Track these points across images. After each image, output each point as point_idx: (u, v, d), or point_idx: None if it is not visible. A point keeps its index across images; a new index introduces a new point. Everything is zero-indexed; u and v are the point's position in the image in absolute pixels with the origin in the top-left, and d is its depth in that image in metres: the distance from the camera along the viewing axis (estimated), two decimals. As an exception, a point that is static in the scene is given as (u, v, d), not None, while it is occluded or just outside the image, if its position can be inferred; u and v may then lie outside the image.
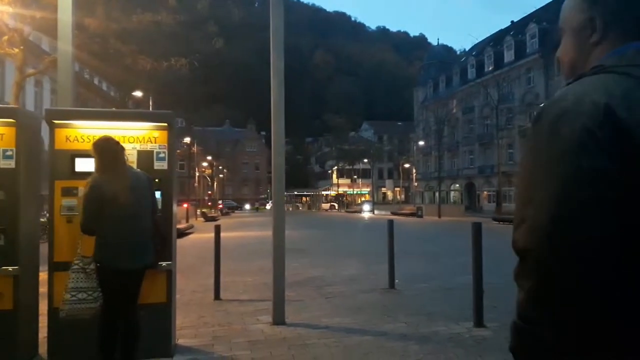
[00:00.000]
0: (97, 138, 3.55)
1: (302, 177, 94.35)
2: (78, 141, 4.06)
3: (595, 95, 0.85)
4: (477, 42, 61.11)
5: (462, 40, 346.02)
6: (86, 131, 4.08)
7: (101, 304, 3.48)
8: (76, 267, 3.47)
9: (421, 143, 60.98)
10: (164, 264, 4.00)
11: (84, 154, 3.96)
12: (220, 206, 61.76)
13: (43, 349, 4.15)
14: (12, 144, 3.91)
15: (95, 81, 36.78)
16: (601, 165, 0.81)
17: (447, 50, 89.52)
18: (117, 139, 3.59)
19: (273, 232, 5.63)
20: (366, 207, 58.31)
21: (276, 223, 5.63)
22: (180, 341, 4.70)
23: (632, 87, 0.86)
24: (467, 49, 68.58)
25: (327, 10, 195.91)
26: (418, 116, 67.07)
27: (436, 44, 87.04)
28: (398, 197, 78.94)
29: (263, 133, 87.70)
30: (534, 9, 48.88)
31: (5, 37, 12.70)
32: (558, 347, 0.83)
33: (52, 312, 3.87)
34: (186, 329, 5.17)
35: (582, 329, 0.81)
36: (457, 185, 57.84)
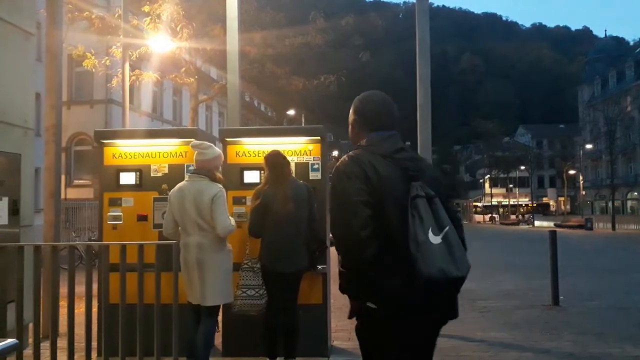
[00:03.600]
0: (268, 152, 4.01)
1: (451, 186, 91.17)
2: (246, 156, 4.58)
3: (358, 157, 2.00)
4: (655, 28, 53.09)
5: (635, 29, 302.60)
6: (252, 147, 4.59)
7: (266, 301, 3.88)
8: (246, 266, 3.93)
9: (589, 147, 54.69)
10: (319, 267, 4.28)
11: (251, 167, 4.46)
12: None
13: (217, 340, 4.71)
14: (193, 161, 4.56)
15: (255, 103, 40.39)
16: (359, 185, 1.91)
17: (617, 41, 79.26)
18: (282, 152, 4.03)
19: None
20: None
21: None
22: (335, 343, 4.94)
23: (366, 155, 2.00)
24: (642, 38, 59.89)
25: (475, 12, 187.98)
26: (584, 117, 60.32)
27: (603, 36, 77.49)
28: (562, 207, 71.12)
29: (408, 143, 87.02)
30: None
31: (183, 69, 14.73)
32: (348, 276, 1.95)
33: (225, 307, 4.38)
34: (340, 332, 5.41)
35: (351, 269, 1.93)
36: (636, 193, 50.53)
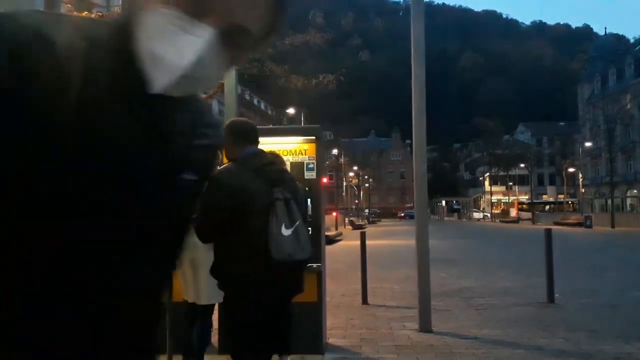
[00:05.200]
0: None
1: (450, 184, 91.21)
2: (241, 156, 4.62)
3: (231, 171, 2.56)
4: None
5: (636, 27, 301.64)
6: (247, 147, 4.63)
7: None
8: None
9: (588, 144, 54.70)
10: (314, 265, 4.32)
11: (246, 167, 4.51)
12: (402, 215, 66.58)
13: (214, 338, 4.76)
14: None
15: (254, 101, 40.44)
16: (223, 194, 2.43)
17: (617, 39, 79.25)
18: (279, 153, 4.05)
19: (416, 240, 5.66)
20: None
21: (420, 231, 5.66)
22: (331, 340, 5.00)
23: (238, 170, 2.55)
24: (643, 35, 59.79)
25: (475, 10, 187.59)
26: (584, 115, 60.37)
27: (603, 33, 77.38)
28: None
29: (408, 141, 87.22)
30: None
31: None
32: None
33: (220, 306, 4.42)
34: (336, 330, 5.46)
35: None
36: (635, 191, 50.57)
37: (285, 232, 2.45)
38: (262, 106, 42.05)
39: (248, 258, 2.49)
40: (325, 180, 5.23)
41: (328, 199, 37.22)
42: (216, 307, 4.55)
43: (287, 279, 2.57)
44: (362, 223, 43.65)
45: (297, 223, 2.53)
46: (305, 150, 4.62)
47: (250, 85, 20.65)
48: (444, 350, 4.67)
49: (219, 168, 2.64)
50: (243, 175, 2.58)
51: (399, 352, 4.64)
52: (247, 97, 37.84)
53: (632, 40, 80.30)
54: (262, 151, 2.81)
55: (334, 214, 33.02)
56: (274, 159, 2.81)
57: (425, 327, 5.43)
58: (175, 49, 0.61)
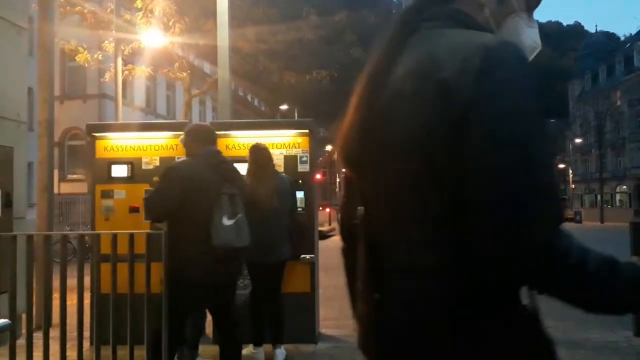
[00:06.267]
0: (252, 145, 4.08)
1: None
2: (236, 148, 4.66)
3: (184, 164, 3.13)
4: (646, 23, 53.51)
5: (625, 24, 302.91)
6: (243, 140, 4.68)
7: (250, 291, 3.99)
8: None
9: (578, 141, 55.13)
10: (307, 256, 4.39)
11: (241, 160, 4.55)
12: None
13: (208, 328, 4.81)
14: (183, 153, 4.65)
15: (248, 97, 40.36)
16: (175, 183, 3.00)
17: (607, 37, 79.58)
18: (266, 145, 4.09)
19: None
20: None
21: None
22: (324, 330, 5.07)
23: (193, 163, 3.04)
24: (632, 34, 60.30)
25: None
26: (574, 111, 60.83)
27: (594, 31, 77.90)
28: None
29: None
30: None
31: (176, 64, 14.74)
32: None
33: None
34: (329, 321, 5.52)
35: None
36: (625, 187, 51.07)
37: (227, 222, 2.86)
38: (256, 102, 41.98)
39: (192, 241, 2.86)
40: (319, 176, 5.31)
41: (322, 195, 37.23)
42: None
43: (226, 264, 2.97)
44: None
45: (239, 216, 2.93)
46: (298, 143, 4.68)
47: (244, 81, 20.63)
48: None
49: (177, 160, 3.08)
50: (196, 167, 2.95)
51: (391, 342, 4.72)
52: (241, 93, 37.77)
53: (622, 38, 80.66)
54: (219, 151, 3.19)
55: (328, 209, 33.02)
56: (228, 159, 3.28)
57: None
58: (530, 39, 0.99)
